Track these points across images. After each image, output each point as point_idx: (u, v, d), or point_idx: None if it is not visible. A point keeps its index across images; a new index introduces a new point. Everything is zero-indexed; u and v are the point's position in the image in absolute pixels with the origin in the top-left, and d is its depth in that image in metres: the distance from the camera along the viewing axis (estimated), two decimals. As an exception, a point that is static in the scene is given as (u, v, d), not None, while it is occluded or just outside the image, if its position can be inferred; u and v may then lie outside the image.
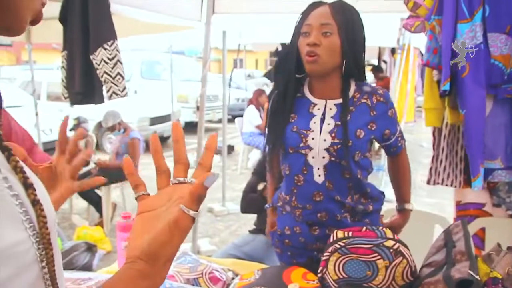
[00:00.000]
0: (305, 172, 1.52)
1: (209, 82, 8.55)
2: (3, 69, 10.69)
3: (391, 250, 1.35)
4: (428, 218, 2.45)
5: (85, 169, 4.62)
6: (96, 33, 2.27)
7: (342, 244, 1.36)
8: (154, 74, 10.86)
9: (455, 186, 2.22)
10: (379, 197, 1.65)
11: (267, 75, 6.70)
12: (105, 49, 2.27)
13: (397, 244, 1.37)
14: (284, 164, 1.59)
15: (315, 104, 1.54)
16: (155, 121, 8.42)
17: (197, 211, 0.57)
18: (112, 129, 4.51)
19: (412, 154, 7.44)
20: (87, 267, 3.29)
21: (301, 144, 1.50)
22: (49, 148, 5.61)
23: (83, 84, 2.36)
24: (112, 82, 2.31)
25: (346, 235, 1.41)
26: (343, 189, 1.53)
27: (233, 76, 8.00)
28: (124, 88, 2.38)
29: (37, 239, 0.44)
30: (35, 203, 0.45)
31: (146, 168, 6.83)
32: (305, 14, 1.49)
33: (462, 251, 1.51)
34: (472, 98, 1.75)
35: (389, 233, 1.43)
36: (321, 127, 1.50)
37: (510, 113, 1.87)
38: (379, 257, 1.34)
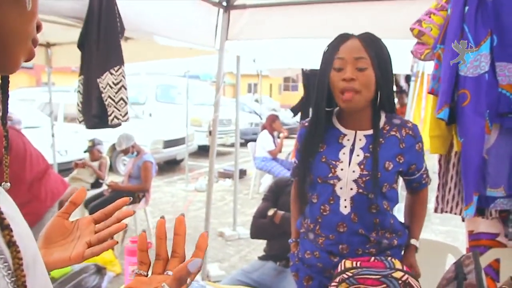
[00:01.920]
0: (332, 202, 1.51)
1: (223, 106, 8.63)
2: (23, 90, 10.93)
3: (400, 281, 1.33)
4: (440, 247, 2.41)
5: (98, 191, 4.66)
6: (104, 58, 2.31)
7: (350, 275, 1.35)
8: (169, 98, 11.00)
9: (462, 216, 2.19)
10: (403, 231, 1.62)
11: (293, 109, 6.70)
12: (111, 74, 2.31)
13: (406, 276, 1.35)
14: (311, 193, 1.58)
15: (345, 135, 1.53)
16: (168, 144, 8.49)
17: None
18: (125, 151, 4.56)
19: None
20: (96, 290, 3.29)
21: (330, 175, 1.50)
22: (63, 169, 5.70)
23: (99, 108, 2.40)
24: (114, 107, 2.33)
25: (354, 265, 1.40)
26: (369, 224, 1.51)
27: (246, 100, 8.04)
28: (126, 113, 2.40)
29: (13, 279, 0.44)
30: (11, 244, 0.45)
31: (157, 191, 6.90)
32: (335, 47, 1.48)
33: (473, 284, 1.48)
34: (472, 127, 1.74)
35: (398, 264, 1.41)
36: (350, 158, 1.49)
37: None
38: (387, 288, 1.32)
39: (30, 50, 0.56)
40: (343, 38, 1.49)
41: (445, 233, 5.17)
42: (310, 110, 1.67)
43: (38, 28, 0.57)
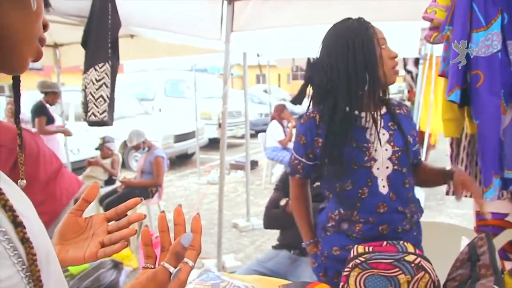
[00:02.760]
0: (370, 184, 1.50)
1: (232, 98, 8.65)
2: (35, 92, 11.01)
3: (413, 264, 1.33)
4: (454, 230, 2.40)
5: (111, 187, 4.72)
6: (92, 54, 2.31)
7: (363, 259, 1.35)
8: (178, 92, 11.04)
9: (475, 197, 2.17)
10: (420, 207, 1.65)
11: (294, 100, 6.67)
12: (95, 70, 2.30)
13: (419, 259, 1.35)
14: (341, 181, 1.53)
15: (362, 117, 1.52)
16: (179, 138, 8.54)
17: (175, 267, 0.62)
18: (136, 148, 4.59)
19: (439, 163, 7.35)
20: (114, 285, 3.34)
21: (366, 158, 1.48)
22: (77, 167, 5.77)
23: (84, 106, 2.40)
24: (94, 104, 2.32)
25: (366, 250, 1.40)
26: (404, 200, 1.53)
27: (255, 91, 8.03)
28: (104, 111, 2.35)
29: (27, 274, 0.46)
30: (24, 241, 0.46)
31: (170, 186, 6.95)
32: (369, 27, 1.48)
33: (487, 265, 1.47)
34: (487, 108, 1.71)
35: (410, 248, 1.41)
36: (379, 138, 1.50)
37: None
38: (400, 272, 1.32)
39: (38, 49, 0.56)
40: (364, 20, 1.51)
41: (460, 216, 5.15)
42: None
43: (45, 27, 0.58)
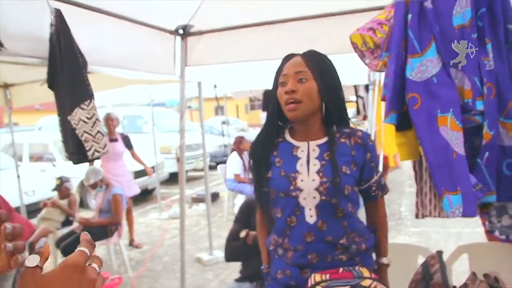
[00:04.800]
0: (297, 213, 1.52)
1: (192, 131, 8.60)
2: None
3: (369, 288, 1.37)
4: (411, 250, 2.48)
5: (69, 228, 4.57)
6: (72, 94, 2.30)
7: (321, 288, 1.38)
8: (136, 128, 10.93)
9: (443, 217, 2.22)
10: (370, 235, 1.63)
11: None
12: (82, 109, 2.29)
13: (375, 283, 1.39)
14: (275, 208, 1.59)
15: (298, 147, 1.58)
16: (139, 174, 8.39)
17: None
18: (94, 186, 4.50)
19: (395, 184, 7.56)
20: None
21: (291, 187, 1.52)
22: (32, 210, 5.56)
23: (75, 145, 2.38)
24: (93, 141, 2.32)
25: (323, 278, 1.42)
26: (337, 229, 1.52)
27: (214, 123, 8.07)
28: (105, 145, 2.40)
29: None
30: None
31: (131, 223, 6.78)
32: (281, 66, 1.58)
33: (439, 283, 1.54)
34: (425, 129, 1.77)
35: (365, 272, 1.45)
36: (308, 168, 1.52)
37: (469, 143, 1.91)
38: (357, 297, 1.35)
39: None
40: (287, 57, 1.60)
41: (418, 233, 5.30)
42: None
43: None
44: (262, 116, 13.97)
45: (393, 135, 2.20)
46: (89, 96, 2.34)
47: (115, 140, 5.45)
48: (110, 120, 5.45)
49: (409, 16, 1.82)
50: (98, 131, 2.35)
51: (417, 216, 2.21)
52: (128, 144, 5.72)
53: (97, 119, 2.35)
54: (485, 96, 1.78)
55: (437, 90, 1.77)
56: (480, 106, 1.79)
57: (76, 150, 2.34)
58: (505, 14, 1.79)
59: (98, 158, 2.46)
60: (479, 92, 1.79)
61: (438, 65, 1.80)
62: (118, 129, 5.79)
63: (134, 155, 5.97)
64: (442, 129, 1.79)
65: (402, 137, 2.13)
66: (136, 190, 5.79)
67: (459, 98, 1.80)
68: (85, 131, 2.31)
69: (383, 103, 2.12)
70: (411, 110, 1.79)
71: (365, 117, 6.32)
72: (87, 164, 4.49)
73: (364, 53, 2.08)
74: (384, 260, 1.68)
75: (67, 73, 2.28)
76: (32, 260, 0.60)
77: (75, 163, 2.41)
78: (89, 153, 2.35)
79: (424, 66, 1.78)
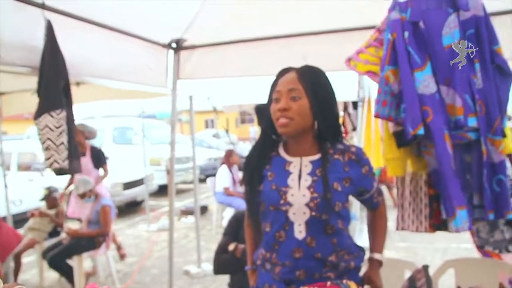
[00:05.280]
0: (287, 228, 1.52)
1: (181, 143, 8.61)
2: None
3: (356, 302, 1.39)
4: (397, 265, 2.50)
5: (56, 239, 4.53)
6: (43, 100, 2.28)
7: (309, 302, 1.39)
8: (126, 139, 10.91)
9: (421, 231, 2.28)
10: (359, 253, 1.63)
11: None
12: (52, 116, 2.26)
13: (362, 296, 1.41)
14: (264, 222, 1.59)
15: (291, 162, 1.58)
16: (128, 186, 8.37)
17: None
18: (82, 196, 4.48)
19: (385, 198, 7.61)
20: None
21: (281, 201, 1.51)
22: (19, 219, 5.50)
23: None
24: (55, 150, 2.28)
25: (311, 292, 1.44)
26: (327, 246, 1.52)
27: (204, 136, 8.09)
28: (66, 159, 2.32)
29: None
30: None
31: (120, 234, 6.75)
32: (275, 81, 1.58)
33: (425, 296, 1.56)
34: (439, 142, 1.81)
35: (353, 286, 1.46)
36: (299, 184, 1.52)
37: (460, 159, 1.96)
38: (345, 310, 1.37)
39: None
40: (282, 72, 1.59)
41: (405, 248, 5.34)
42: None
43: None
44: (251, 131, 14.04)
45: (379, 149, 2.23)
46: (62, 106, 2.30)
47: (83, 154, 4.80)
48: (78, 132, 4.80)
49: (406, 33, 1.87)
50: (62, 143, 2.29)
51: (396, 228, 2.28)
52: (98, 161, 5.07)
53: (63, 131, 2.29)
54: (478, 113, 1.83)
55: (439, 107, 1.82)
56: (472, 122, 1.83)
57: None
58: (489, 35, 1.85)
59: (61, 171, 2.35)
60: (471, 109, 1.83)
61: (434, 83, 1.85)
62: (109, 141, 5.66)
63: (104, 174, 5.24)
64: (448, 145, 1.82)
65: (391, 152, 2.16)
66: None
67: (450, 115, 1.85)
68: (48, 138, 2.26)
69: (373, 120, 2.15)
70: (426, 124, 1.81)
71: (346, 133, 6.41)
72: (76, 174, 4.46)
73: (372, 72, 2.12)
74: (377, 256, 1.68)
75: (47, 82, 2.27)
76: None
77: (59, 174, 2.37)
78: (48, 162, 2.29)
79: (426, 81, 1.83)
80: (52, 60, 2.25)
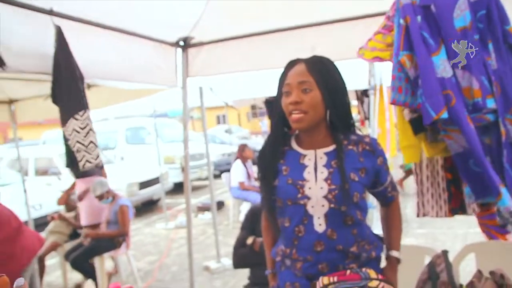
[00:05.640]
0: (306, 222, 1.50)
1: (194, 140, 8.67)
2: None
3: (377, 289, 1.39)
4: (417, 251, 2.49)
5: (77, 241, 4.60)
6: (66, 106, 2.32)
7: (329, 291, 1.40)
8: (139, 139, 11.01)
9: (441, 216, 2.27)
10: (378, 242, 1.63)
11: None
12: (76, 119, 2.30)
13: (382, 284, 1.41)
14: (282, 217, 1.57)
15: (305, 155, 1.56)
16: (144, 185, 8.45)
17: None
18: (100, 197, 4.53)
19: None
20: None
21: (299, 195, 1.50)
22: (39, 223, 5.59)
23: (69, 157, 2.38)
24: (85, 151, 2.32)
25: (331, 280, 1.42)
26: (347, 237, 1.50)
27: (216, 132, 8.11)
28: (98, 156, 2.37)
29: None
30: None
31: (138, 234, 6.83)
32: (284, 74, 1.55)
33: (445, 282, 1.56)
34: (465, 124, 1.77)
35: (372, 274, 1.46)
36: (315, 176, 1.51)
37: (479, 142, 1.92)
38: (365, 298, 1.37)
39: None
40: (290, 64, 1.56)
41: (425, 235, 5.32)
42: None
43: None
44: (262, 125, 14.04)
45: (394, 138, 2.23)
46: (83, 107, 2.34)
47: None
48: None
49: (418, 18, 1.84)
50: (91, 141, 2.33)
51: (418, 215, 2.27)
52: None
53: (90, 129, 2.33)
54: (495, 95, 1.80)
55: (457, 90, 1.80)
56: (491, 104, 1.81)
57: (71, 163, 2.35)
58: (500, 15, 1.83)
59: (90, 169, 2.40)
60: (488, 91, 1.80)
61: (450, 66, 1.82)
62: (122, 142, 5.68)
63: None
64: (472, 127, 1.78)
65: (406, 140, 2.15)
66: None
67: (467, 99, 1.83)
68: (77, 141, 2.30)
69: (387, 107, 2.14)
70: (450, 108, 1.77)
71: (363, 122, 6.37)
72: (93, 176, 4.50)
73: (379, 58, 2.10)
74: (395, 253, 1.66)
75: (64, 87, 2.30)
76: None
77: (77, 176, 2.41)
78: (81, 164, 2.33)
79: (442, 65, 1.80)
80: (67, 65, 2.28)
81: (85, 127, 2.31)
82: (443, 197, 2.23)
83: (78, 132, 2.30)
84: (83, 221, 4.45)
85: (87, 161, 2.33)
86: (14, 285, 0.63)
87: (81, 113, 2.31)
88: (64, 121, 2.31)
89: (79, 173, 2.37)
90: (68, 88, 2.31)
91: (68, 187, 4.99)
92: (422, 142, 2.13)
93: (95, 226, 4.45)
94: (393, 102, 1.95)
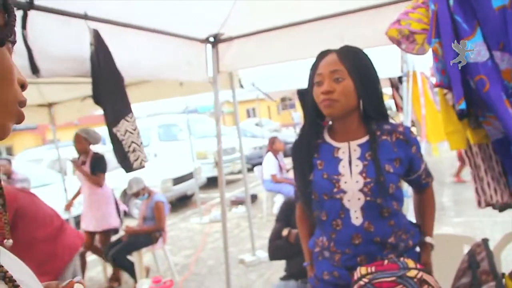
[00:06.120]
0: (342, 216, 1.52)
1: (225, 135, 8.76)
2: (31, 151, 11.12)
3: (415, 279, 1.38)
4: (455, 240, 2.46)
5: (116, 237, 4.73)
6: (115, 108, 2.41)
7: (367, 281, 1.40)
8: (172, 136, 11.18)
9: (506, 201, 2.10)
10: (415, 231, 1.63)
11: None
12: (127, 121, 2.42)
13: (420, 273, 1.40)
14: (319, 211, 1.59)
15: (339, 148, 1.57)
16: (178, 181, 8.58)
17: None
18: (136, 194, 4.64)
19: (436, 175, 7.41)
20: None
21: (335, 189, 1.51)
22: (79, 221, 5.78)
23: (121, 155, 2.48)
24: (139, 150, 2.45)
25: (369, 270, 1.44)
26: (385, 229, 1.51)
27: (247, 125, 8.13)
28: (146, 156, 2.55)
29: None
30: None
31: (174, 229, 6.96)
32: (315, 64, 1.57)
33: (486, 270, 1.53)
34: (501, 110, 1.68)
35: (410, 263, 1.45)
36: (350, 170, 1.51)
37: None
38: None
39: (18, 113, 0.55)
40: (321, 55, 1.57)
41: (462, 224, 5.21)
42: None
43: (23, 87, 0.57)
44: (294, 116, 13.97)
45: (438, 123, 2.14)
46: (130, 109, 2.47)
47: (83, 163, 4.63)
48: (82, 139, 4.65)
49: (451, 1, 1.79)
50: (141, 142, 2.49)
51: (479, 204, 2.06)
52: (94, 166, 4.55)
53: (138, 131, 2.48)
54: None
55: (494, 74, 1.73)
56: None
57: (122, 160, 2.44)
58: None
59: (142, 167, 2.52)
60: None
61: (486, 49, 1.76)
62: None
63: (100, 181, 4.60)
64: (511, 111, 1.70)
65: (451, 125, 2.06)
66: (112, 224, 4.65)
67: (507, 81, 1.76)
68: (132, 142, 2.43)
69: (421, 93, 2.06)
70: (482, 94, 1.70)
71: (400, 108, 6.27)
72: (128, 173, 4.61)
73: (400, 41, 2.05)
74: (429, 239, 1.65)
75: (109, 89, 2.39)
76: None
77: (128, 171, 2.52)
78: (137, 162, 2.46)
79: (477, 49, 1.74)
80: (108, 67, 2.35)
81: (135, 129, 2.45)
82: (502, 181, 2.09)
83: (131, 133, 2.43)
84: (92, 227, 4.58)
85: (142, 160, 2.48)
86: (74, 280, 0.67)
87: (130, 115, 2.44)
88: (115, 121, 2.40)
89: (131, 171, 2.47)
90: (114, 91, 2.41)
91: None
92: (466, 128, 2.06)
93: (105, 232, 4.57)
94: (438, 85, 1.88)
